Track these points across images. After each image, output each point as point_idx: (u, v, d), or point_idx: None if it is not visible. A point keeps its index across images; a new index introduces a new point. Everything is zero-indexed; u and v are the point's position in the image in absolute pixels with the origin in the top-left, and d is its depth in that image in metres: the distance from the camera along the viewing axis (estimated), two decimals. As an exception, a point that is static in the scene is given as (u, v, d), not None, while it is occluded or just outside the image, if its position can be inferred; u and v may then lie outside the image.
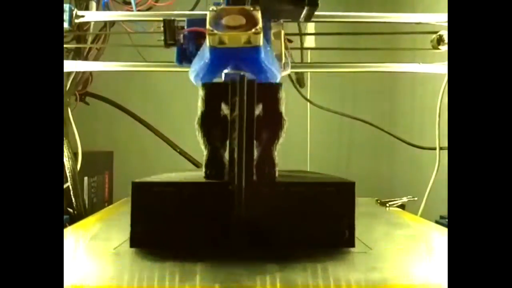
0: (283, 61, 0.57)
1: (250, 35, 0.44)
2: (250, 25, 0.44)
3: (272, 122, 0.47)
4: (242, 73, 0.46)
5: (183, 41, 0.55)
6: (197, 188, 0.45)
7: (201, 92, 0.48)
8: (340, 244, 0.45)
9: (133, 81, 1.33)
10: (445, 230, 0.59)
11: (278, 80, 0.51)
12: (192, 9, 0.89)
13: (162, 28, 0.58)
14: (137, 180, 0.45)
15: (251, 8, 0.45)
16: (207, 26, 0.44)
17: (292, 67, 1.06)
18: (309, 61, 0.97)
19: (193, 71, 0.50)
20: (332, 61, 0.91)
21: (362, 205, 0.74)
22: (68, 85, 0.86)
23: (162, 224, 0.44)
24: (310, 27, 1.09)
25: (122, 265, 0.42)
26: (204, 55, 0.47)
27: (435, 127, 0.87)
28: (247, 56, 0.45)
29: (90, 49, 0.88)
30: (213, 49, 0.45)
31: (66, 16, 0.73)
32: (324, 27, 1.11)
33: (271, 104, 0.47)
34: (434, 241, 0.56)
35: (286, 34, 0.98)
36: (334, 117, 1.20)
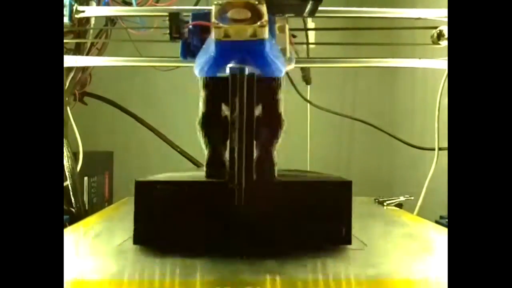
0: (288, 55, 0.56)
1: (255, 28, 0.44)
2: (256, 18, 0.44)
3: (272, 123, 0.48)
4: (246, 68, 0.46)
5: (187, 35, 0.54)
6: (198, 187, 0.47)
7: (202, 93, 0.49)
8: (337, 242, 0.46)
9: (133, 81, 1.32)
10: (442, 229, 0.60)
11: (282, 74, 0.50)
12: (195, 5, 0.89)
13: (167, 23, 0.58)
14: (140, 179, 0.46)
15: (256, 2, 0.45)
16: (213, 19, 0.44)
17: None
18: (309, 56, 0.97)
19: (198, 65, 0.50)
20: (332, 56, 0.90)
21: (360, 203, 0.77)
22: (67, 83, 0.86)
23: (164, 222, 0.45)
24: (309, 22, 1.08)
25: (125, 260, 0.43)
26: (209, 49, 0.47)
27: (435, 127, 0.86)
28: (253, 49, 0.45)
29: (90, 48, 0.88)
30: (218, 42, 0.44)
31: (66, 11, 0.72)
32: (324, 22, 1.10)
33: (270, 105, 0.48)
34: (430, 239, 0.57)
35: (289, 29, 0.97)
36: (334, 117, 1.20)
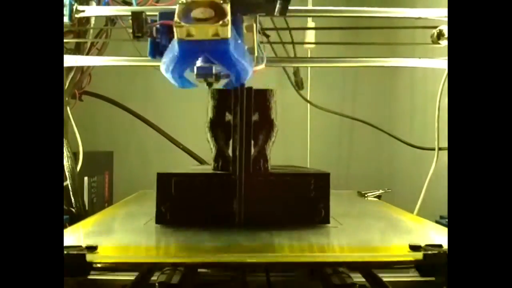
0: (256, 54, 0.56)
1: (217, 27, 0.44)
2: (219, 17, 0.44)
3: (266, 127, 0.59)
4: (214, 68, 0.48)
5: (155, 34, 0.54)
6: (207, 178, 0.57)
7: (210, 103, 0.59)
8: (318, 221, 0.56)
9: (133, 81, 1.32)
10: (408, 215, 0.70)
11: (250, 74, 0.53)
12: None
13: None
14: (161, 171, 0.56)
15: (221, 1, 0.45)
16: (175, 18, 0.45)
17: (293, 62, 1.06)
18: (309, 56, 0.97)
19: (163, 64, 0.50)
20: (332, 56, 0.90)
21: (344, 195, 0.87)
22: (67, 83, 0.86)
23: (180, 205, 0.55)
24: (310, 22, 1.08)
25: (151, 233, 0.55)
26: (173, 48, 0.48)
27: (435, 127, 0.86)
28: (216, 49, 0.46)
29: (90, 48, 0.88)
30: (181, 42, 0.45)
31: (66, 11, 0.72)
32: (325, 22, 1.10)
33: (265, 112, 0.59)
34: (399, 221, 0.66)
35: (285, 29, 0.97)
36: (334, 117, 1.20)
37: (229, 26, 0.44)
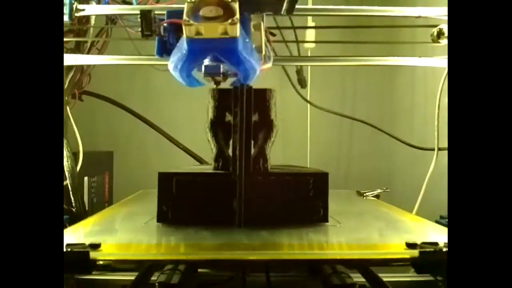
0: (263, 53, 0.56)
1: (226, 25, 0.44)
2: (228, 16, 0.45)
3: (266, 127, 0.60)
4: (222, 66, 0.49)
5: (163, 33, 0.54)
6: (208, 177, 0.58)
7: (210, 103, 0.60)
8: (317, 220, 0.57)
9: (133, 81, 1.32)
10: (406, 214, 0.70)
11: (258, 72, 0.53)
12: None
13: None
14: (162, 171, 0.57)
15: (229, 0, 0.45)
16: (184, 16, 0.45)
17: (294, 61, 1.05)
18: (309, 55, 0.97)
19: (172, 62, 0.50)
20: (332, 55, 0.90)
21: (343, 195, 0.88)
22: (66, 83, 0.86)
23: (181, 204, 0.56)
24: (310, 21, 1.08)
25: (152, 231, 0.55)
26: (182, 46, 0.48)
27: (435, 127, 0.86)
28: (224, 47, 0.46)
29: (90, 48, 0.88)
30: (189, 40, 0.45)
31: (66, 10, 0.72)
32: (324, 21, 1.10)
33: (264, 112, 0.60)
34: (397, 220, 0.66)
35: (286, 28, 0.97)
36: (334, 117, 1.20)
37: (238, 25, 0.44)
